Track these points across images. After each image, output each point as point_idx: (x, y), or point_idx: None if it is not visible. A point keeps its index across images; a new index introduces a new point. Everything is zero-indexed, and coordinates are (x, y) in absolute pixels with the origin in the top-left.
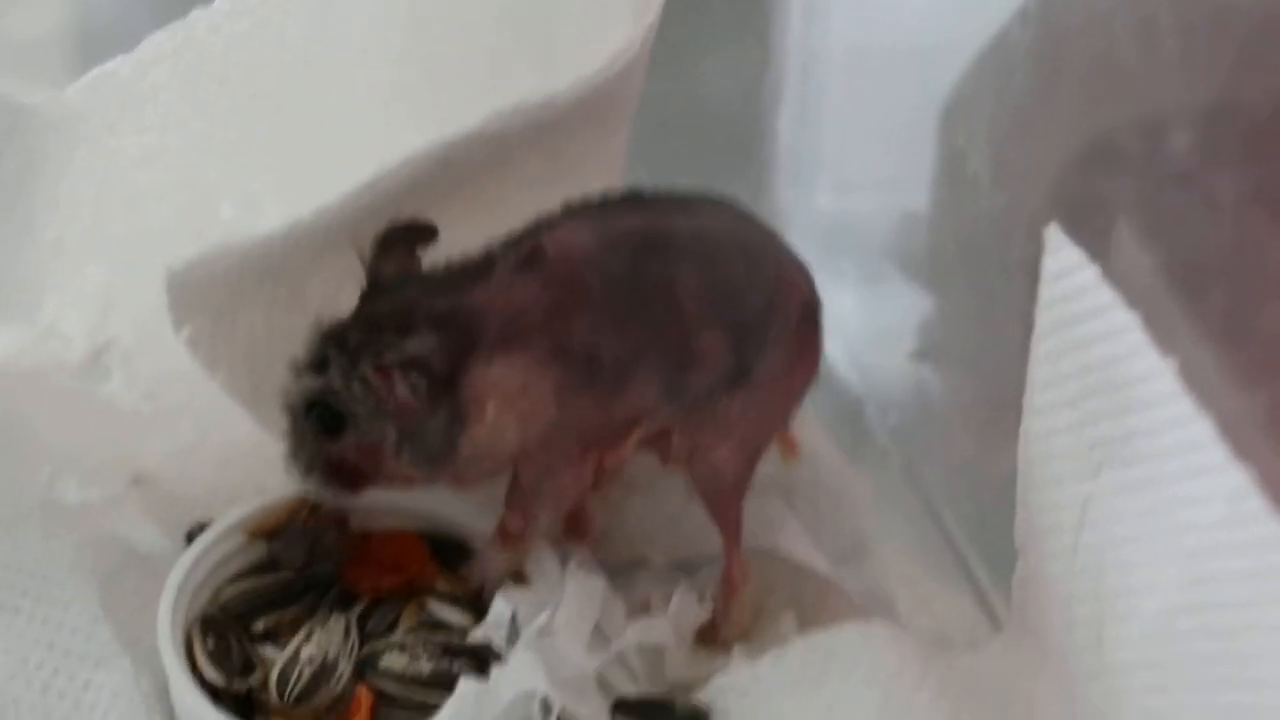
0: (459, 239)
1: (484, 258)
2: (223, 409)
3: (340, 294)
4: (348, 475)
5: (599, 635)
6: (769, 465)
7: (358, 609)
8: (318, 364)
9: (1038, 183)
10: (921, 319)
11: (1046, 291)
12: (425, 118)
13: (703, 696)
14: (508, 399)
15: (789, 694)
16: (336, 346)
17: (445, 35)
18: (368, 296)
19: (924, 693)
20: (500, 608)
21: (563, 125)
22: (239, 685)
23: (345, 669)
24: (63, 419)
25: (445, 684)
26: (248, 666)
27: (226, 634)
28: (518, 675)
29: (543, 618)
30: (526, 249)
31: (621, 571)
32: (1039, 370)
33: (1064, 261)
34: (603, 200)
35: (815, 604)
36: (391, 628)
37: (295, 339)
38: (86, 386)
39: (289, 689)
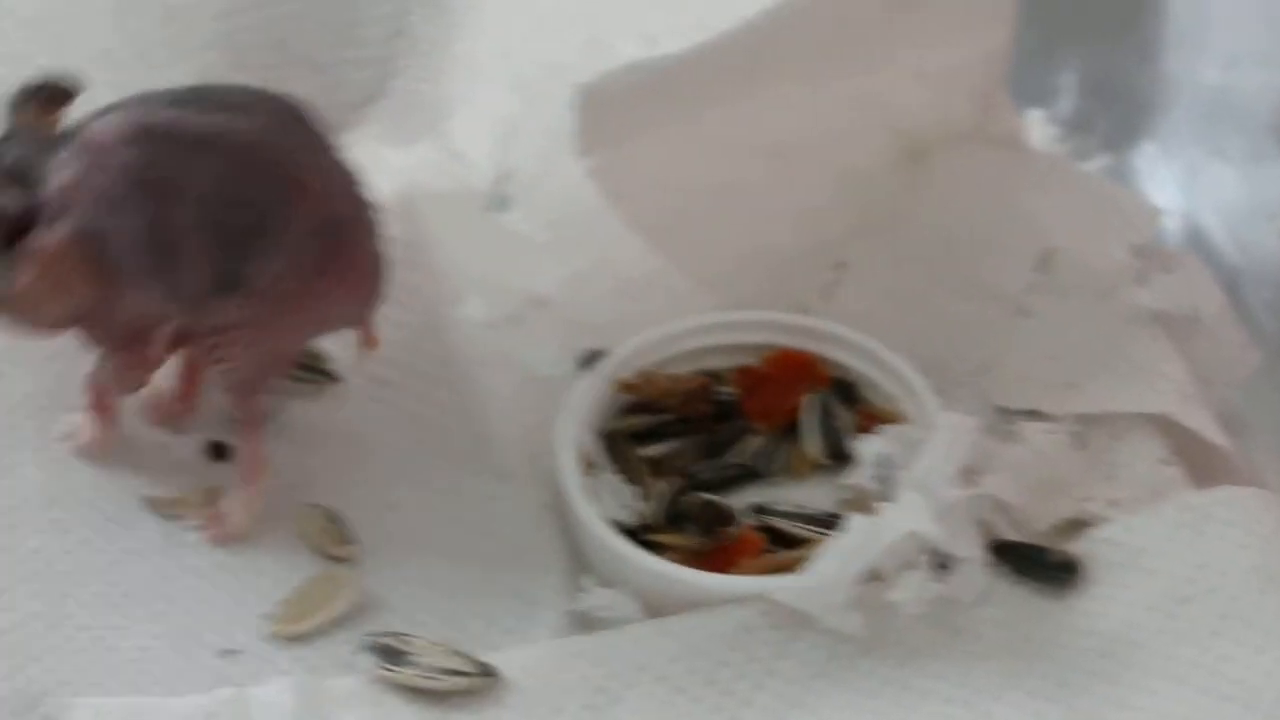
0: (855, 87)
1: (76, 127)
2: (618, 239)
3: (736, 132)
4: None
5: (970, 475)
6: (1152, 341)
7: (754, 445)
8: None
9: None
10: None
11: None
12: None
13: (1075, 547)
14: (44, 267)
15: (1162, 549)
16: None
17: None
18: (2, 140)
19: None
20: (870, 449)
21: None
22: (635, 519)
23: (739, 505)
24: (467, 240)
25: (833, 522)
26: (638, 497)
27: (619, 460)
28: (904, 515)
29: (922, 459)
30: (74, 141)
31: (1009, 419)
32: None
33: None
34: (162, 93)
35: (1198, 464)
36: (789, 465)
37: (693, 171)
38: (490, 212)
39: (688, 522)
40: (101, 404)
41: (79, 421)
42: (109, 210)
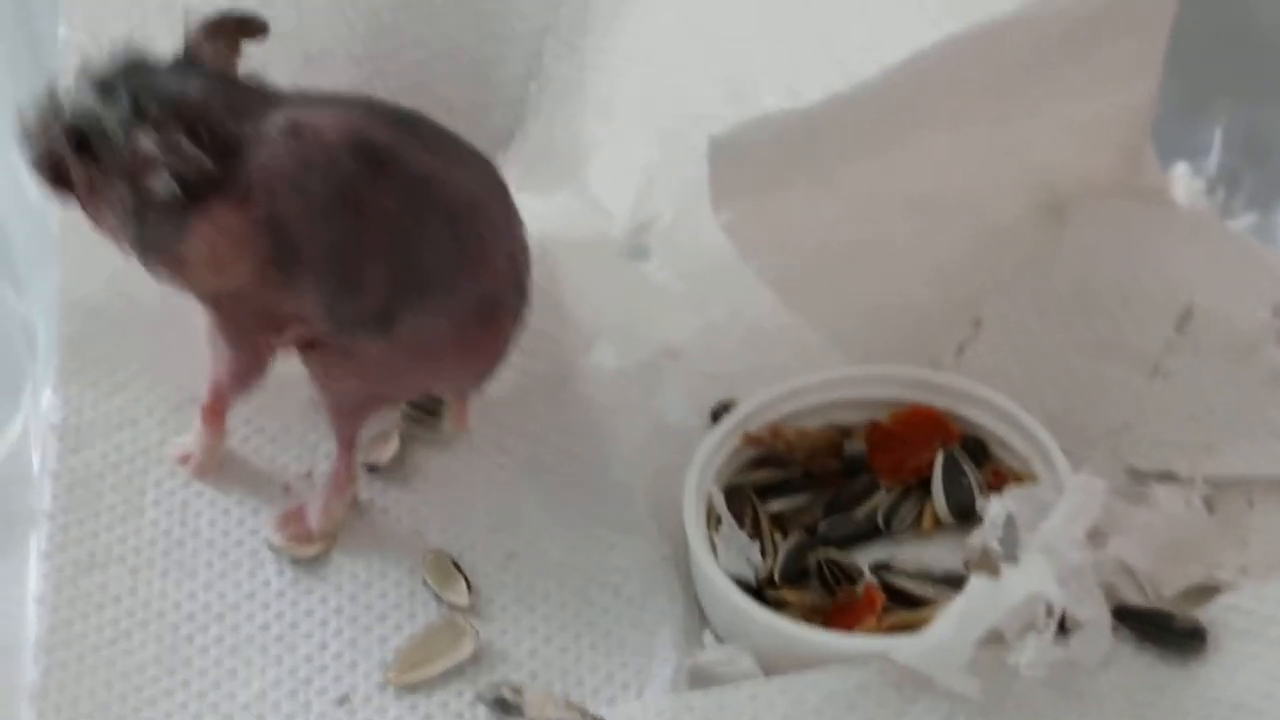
0: (996, 141)
1: (274, 96)
2: (752, 292)
3: (871, 187)
4: (64, 178)
5: (1098, 537)
6: None
7: (881, 502)
8: (106, 85)
9: None
10: None
11: None
12: (969, 6)
13: (1203, 613)
14: (220, 240)
15: None
16: (128, 79)
17: None
18: (179, 65)
19: None
20: (997, 510)
21: (1102, 25)
22: (757, 574)
23: (863, 563)
24: (601, 288)
25: (957, 581)
26: (763, 552)
27: (743, 515)
28: (1028, 577)
29: (1049, 520)
30: (290, 120)
31: (1141, 480)
32: None
33: None
34: (384, 106)
35: None
36: (916, 523)
37: (828, 226)
38: (626, 261)
39: (809, 579)
40: (215, 409)
41: (190, 442)
42: (308, 210)
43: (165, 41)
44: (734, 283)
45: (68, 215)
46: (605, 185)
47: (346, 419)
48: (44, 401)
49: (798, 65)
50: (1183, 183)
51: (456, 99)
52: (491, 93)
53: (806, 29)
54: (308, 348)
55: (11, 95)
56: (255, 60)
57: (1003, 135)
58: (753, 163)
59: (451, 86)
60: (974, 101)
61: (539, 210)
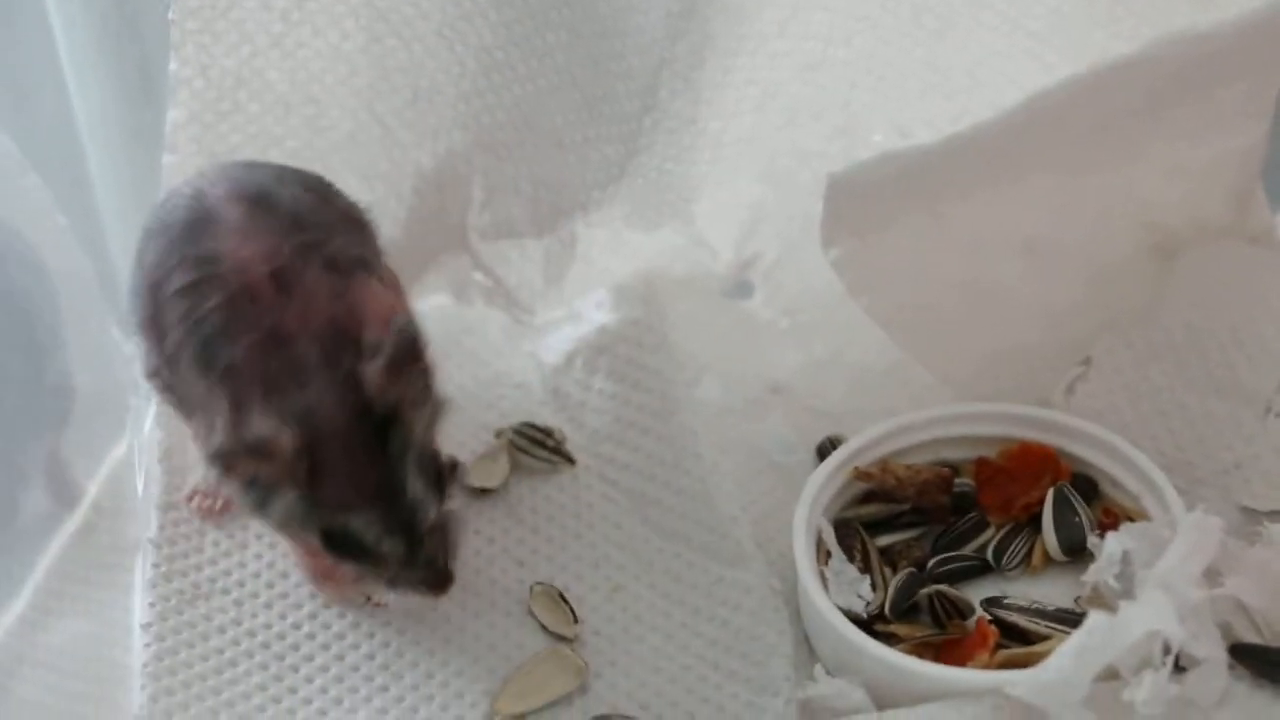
0: (1108, 182)
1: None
2: (857, 328)
3: (982, 227)
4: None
5: (1213, 575)
6: None
7: (990, 538)
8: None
9: None
10: None
11: None
12: (1082, 49)
13: None
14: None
15: None
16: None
17: None
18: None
19: None
20: (1114, 546)
21: (1219, 65)
22: (868, 608)
23: (973, 599)
24: (706, 325)
25: (1072, 619)
26: (873, 586)
27: (853, 548)
28: (1146, 614)
29: (1165, 558)
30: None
31: (1255, 519)
32: None
33: None
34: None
35: None
36: (1025, 559)
37: (940, 266)
38: (730, 298)
39: (919, 614)
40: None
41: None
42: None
43: (275, 75)
44: (837, 320)
45: None
46: (711, 223)
47: None
48: (145, 429)
49: (906, 103)
50: None
51: (566, 134)
52: (604, 127)
53: (915, 68)
54: None
55: (123, 125)
56: (365, 97)
57: (1114, 177)
58: (867, 199)
59: (561, 121)
60: (1087, 144)
61: (645, 247)
